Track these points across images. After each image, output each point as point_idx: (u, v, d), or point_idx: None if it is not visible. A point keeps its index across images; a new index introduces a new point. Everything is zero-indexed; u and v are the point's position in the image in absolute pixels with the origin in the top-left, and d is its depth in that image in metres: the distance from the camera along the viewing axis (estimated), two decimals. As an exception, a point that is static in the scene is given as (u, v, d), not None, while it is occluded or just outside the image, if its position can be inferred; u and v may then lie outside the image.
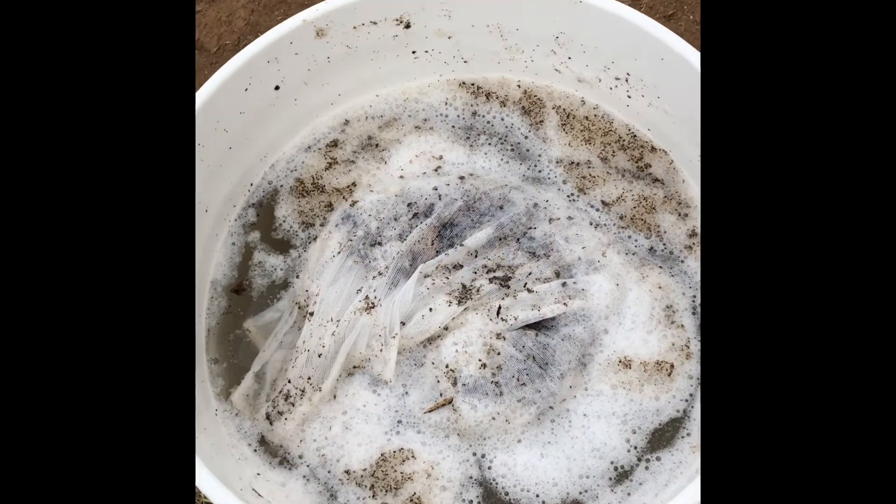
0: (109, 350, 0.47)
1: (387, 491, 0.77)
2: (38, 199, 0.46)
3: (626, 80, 0.88)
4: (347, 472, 0.76)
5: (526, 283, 0.79)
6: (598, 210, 0.86)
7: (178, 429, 0.48)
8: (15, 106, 0.46)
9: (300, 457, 0.78)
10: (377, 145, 0.91)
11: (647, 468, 0.78)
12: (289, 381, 0.80)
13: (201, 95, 0.78)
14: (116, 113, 0.49)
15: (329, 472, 0.78)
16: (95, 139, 0.48)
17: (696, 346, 0.82)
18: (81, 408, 0.46)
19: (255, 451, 0.79)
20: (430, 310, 0.77)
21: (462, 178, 0.85)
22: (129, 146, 0.49)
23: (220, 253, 0.88)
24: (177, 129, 0.50)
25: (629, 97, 0.88)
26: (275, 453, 0.78)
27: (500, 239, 0.81)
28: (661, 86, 0.86)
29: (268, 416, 0.79)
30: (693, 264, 0.86)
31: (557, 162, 0.89)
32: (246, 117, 0.85)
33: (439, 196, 0.83)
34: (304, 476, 0.79)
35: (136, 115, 0.49)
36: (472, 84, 0.93)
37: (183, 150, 0.51)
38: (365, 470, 0.78)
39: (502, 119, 0.92)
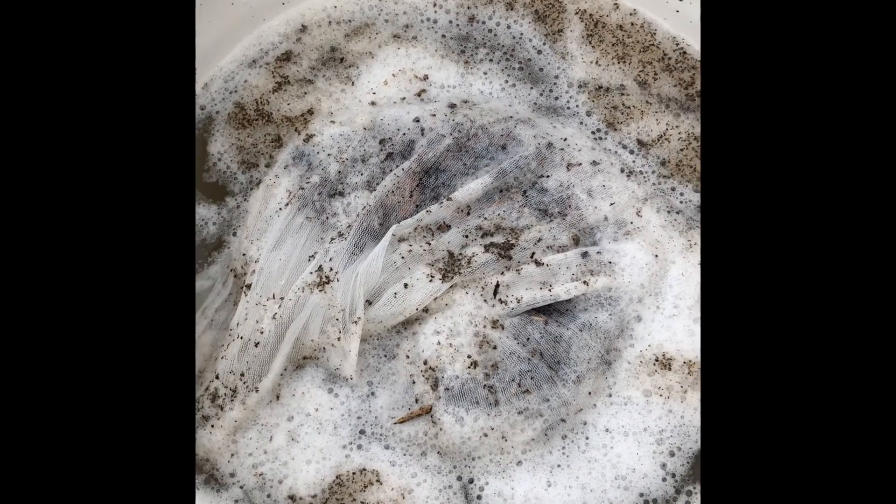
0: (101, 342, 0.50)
1: (343, 526, 0.62)
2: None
3: (678, -24, 0.71)
4: (292, 497, 0.65)
5: (534, 253, 0.68)
6: (632, 152, 0.73)
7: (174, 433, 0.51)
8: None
9: (231, 475, 0.66)
10: (342, 60, 0.77)
11: (687, 503, 0.64)
12: (216, 377, 0.66)
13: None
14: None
15: (268, 496, 0.66)
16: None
17: (758, 341, 0.65)
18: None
19: (175, 464, 0.62)
20: (406, 286, 0.66)
21: (453, 106, 0.73)
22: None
23: (136, 200, 0.69)
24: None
25: (679, 0, 0.71)
26: (199, 469, 0.67)
27: (501, 191, 0.70)
28: (726, -17, 0.66)
29: (191, 421, 0.62)
30: (757, 229, 0.68)
31: (580, 86, 0.75)
32: (161, 19, 0.66)
33: (422, 130, 0.71)
34: (237, 501, 0.66)
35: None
36: (470, -21, 0.80)
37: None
38: (315, 496, 0.65)
39: (508, 27, 0.78)
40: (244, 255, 0.68)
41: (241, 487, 0.65)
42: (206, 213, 0.72)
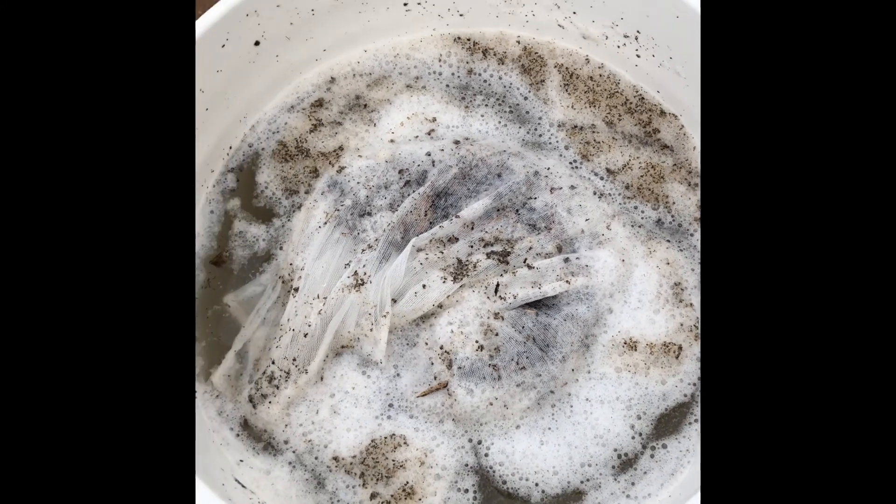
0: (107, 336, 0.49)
1: (378, 479, 0.73)
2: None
3: (636, 38, 0.83)
4: (336, 458, 0.74)
5: (526, 259, 0.77)
6: (602, 178, 0.83)
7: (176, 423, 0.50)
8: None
9: (286, 442, 0.76)
10: (366, 105, 0.86)
11: (652, 456, 0.75)
12: (272, 363, 0.76)
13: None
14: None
15: (316, 458, 0.75)
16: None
17: (705, 327, 0.78)
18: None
19: (238, 435, 0.77)
20: (424, 286, 0.74)
21: (457, 142, 0.81)
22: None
23: (198, 222, 0.83)
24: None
25: (638, 56, 0.84)
26: (259, 438, 0.76)
27: (498, 210, 0.78)
28: (673, 45, 0.80)
29: (251, 399, 0.76)
30: (703, 238, 0.81)
31: (559, 125, 0.85)
32: (223, 76, 0.81)
33: (433, 162, 0.80)
34: (290, 463, 0.75)
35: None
36: (468, 39, 0.89)
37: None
38: (354, 457, 0.74)
39: (500, 78, 0.87)
40: (291, 264, 0.78)
41: (294, 452, 0.74)
42: (256, 232, 0.82)
